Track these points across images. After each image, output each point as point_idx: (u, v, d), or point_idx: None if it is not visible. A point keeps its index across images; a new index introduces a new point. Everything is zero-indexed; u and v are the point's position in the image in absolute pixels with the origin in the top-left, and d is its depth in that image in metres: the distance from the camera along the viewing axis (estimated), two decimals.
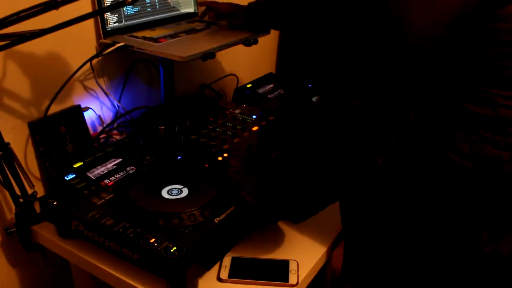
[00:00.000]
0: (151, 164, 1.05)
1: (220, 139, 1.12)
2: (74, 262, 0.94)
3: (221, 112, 1.23)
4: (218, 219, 0.88)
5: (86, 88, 1.16)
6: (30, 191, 0.99)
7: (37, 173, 1.09)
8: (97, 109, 1.20)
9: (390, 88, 0.64)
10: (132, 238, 0.83)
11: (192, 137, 1.12)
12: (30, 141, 1.06)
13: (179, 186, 0.95)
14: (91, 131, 1.16)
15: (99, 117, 1.20)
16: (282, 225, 0.99)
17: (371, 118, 0.66)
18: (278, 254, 0.92)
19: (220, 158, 1.04)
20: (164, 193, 0.94)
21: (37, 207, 0.99)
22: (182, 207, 0.87)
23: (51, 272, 1.14)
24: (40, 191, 1.09)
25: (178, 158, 1.06)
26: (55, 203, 0.93)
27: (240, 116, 1.23)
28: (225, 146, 1.10)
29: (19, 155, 1.02)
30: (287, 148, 0.83)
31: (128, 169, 1.03)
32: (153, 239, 0.83)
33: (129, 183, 0.95)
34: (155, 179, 0.97)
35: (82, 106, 1.14)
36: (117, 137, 1.17)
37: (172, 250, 0.80)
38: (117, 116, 1.22)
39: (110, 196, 0.94)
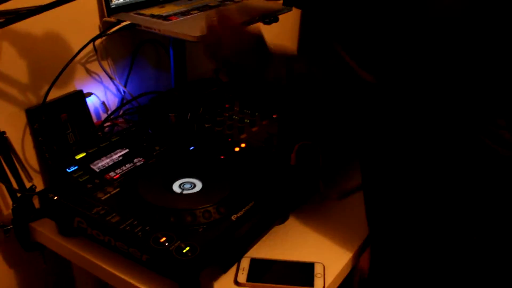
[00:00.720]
0: (160, 155, 1.04)
1: (237, 127, 1.11)
2: (76, 262, 0.94)
3: (237, 98, 1.22)
4: (235, 216, 0.86)
5: (88, 72, 1.16)
6: (28, 185, 0.98)
7: (35, 165, 1.08)
8: (101, 94, 1.19)
9: None
10: (140, 237, 0.82)
11: (206, 125, 1.11)
12: (28, 130, 1.05)
13: (192, 180, 0.95)
14: (94, 119, 1.16)
15: (103, 103, 1.19)
16: (306, 224, 0.99)
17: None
18: (302, 256, 0.90)
19: (237, 149, 1.04)
20: (176, 187, 0.93)
21: (36, 202, 0.98)
22: (196, 203, 0.87)
23: (51, 273, 1.14)
24: (39, 185, 1.08)
25: (191, 148, 1.06)
26: (55, 198, 0.92)
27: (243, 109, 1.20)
28: (243, 136, 1.09)
29: (16, 145, 1.02)
30: (314, 138, 0.83)
31: (135, 160, 1.02)
32: (164, 238, 0.82)
33: (136, 176, 0.94)
34: (166, 172, 0.96)
35: (85, 91, 1.13)
36: (123, 126, 1.17)
37: (184, 251, 0.79)
38: (123, 102, 1.21)
39: (116, 190, 0.93)
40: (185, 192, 0.92)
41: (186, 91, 1.21)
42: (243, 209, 0.88)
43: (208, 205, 0.86)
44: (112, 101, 1.23)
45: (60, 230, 0.96)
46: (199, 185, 0.94)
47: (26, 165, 1.03)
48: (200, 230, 0.84)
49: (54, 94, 1.07)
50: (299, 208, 0.99)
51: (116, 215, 0.87)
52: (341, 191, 1.03)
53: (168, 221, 0.84)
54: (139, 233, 0.83)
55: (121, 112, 1.18)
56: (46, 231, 0.97)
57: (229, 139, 1.07)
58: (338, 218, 0.93)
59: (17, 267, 1.09)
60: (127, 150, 1.04)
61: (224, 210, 0.87)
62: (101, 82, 1.19)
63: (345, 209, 1.01)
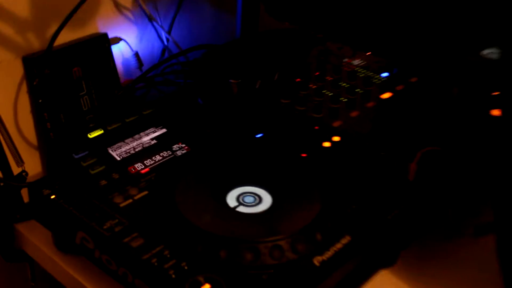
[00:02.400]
0: (212, 144, 0.98)
1: (328, 109, 1.03)
2: None
3: (330, 63, 1.17)
4: (320, 258, 0.77)
5: (118, 7, 1.11)
6: (17, 170, 0.93)
7: (32, 139, 1.04)
8: (133, 42, 1.15)
9: None
10: (172, 278, 0.74)
11: (283, 101, 1.06)
12: (23, 88, 1.00)
13: (257, 190, 0.88)
14: (121, 78, 1.12)
15: (136, 55, 1.14)
16: (423, 269, 0.91)
17: None
18: None
19: (326, 144, 0.96)
20: (232, 199, 0.86)
21: (26, 195, 0.94)
22: (260, 231, 0.80)
23: None
24: (35, 170, 1.05)
25: (258, 136, 0.99)
26: (52, 196, 0.86)
27: (362, 72, 1.15)
28: (336, 123, 1.01)
29: (4, 109, 0.97)
30: (447, 141, 0.85)
31: (175, 148, 0.96)
32: (208, 287, 0.73)
33: (174, 175, 0.89)
34: (219, 172, 0.90)
35: (110, 35, 1.08)
36: (163, 90, 1.16)
37: None
38: (163, 56, 1.20)
39: (143, 194, 0.87)
40: (244, 209, 0.85)
41: (256, 47, 1.21)
42: (333, 248, 0.79)
43: (279, 238, 0.78)
44: (149, 53, 1.20)
45: (56, 242, 0.90)
46: (266, 200, 0.86)
47: (17, 140, 0.99)
48: (265, 277, 0.75)
49: (66, 37, 1.03)
50: (414, 246, 0.91)
51: (139, 237, 0.79)
52: (478, 225, 0.96)
53: (217, 257, 0.77)
54: (171, 271, 0.75)
55: (160, 70, 1.16)
56: (35, 239, 0.94)
57: (316, 127, 1.00)
58: (472, 264, 0.89)
59: None
60: (164, 131, 1.00)
61: (303, 248, 0.78)
62: (136, 24, 1.15)
63: (483, 252, 0.93)
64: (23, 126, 1.03)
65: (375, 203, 0.87)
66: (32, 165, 1.03)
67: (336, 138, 0.98)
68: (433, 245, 0.95)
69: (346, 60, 1.19)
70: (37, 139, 1.05)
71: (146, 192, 0.88)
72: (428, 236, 0.95)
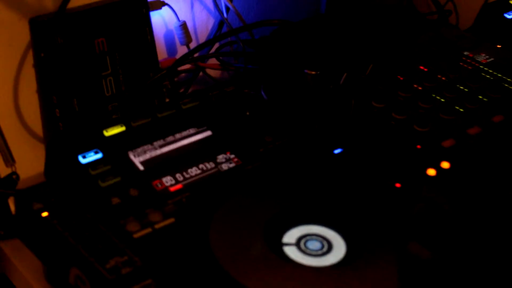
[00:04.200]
0: (272, 158, 0.96)
1: (438, 121, 1.01)
2: None
3: (445, 56, 1.15)
4: None
5: None
6: (4, 172, 0.93)
7: (36, 128, 1.03)
8: (181, 9, 1.17)
9: None
10: None
11: (376, 105, 1.04)
12: (27, 59, 1.00)
13: (326, 232, 0.84)
14: (160, 55, 1.12)
15: (183, 26, 1.14)
16: None
17: None
18: None
19: (432, 172, 0.93)
20: (289, 243, 0.83)
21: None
22: None
23: None
24: (37, 170, 1.02)
25: (336, 152, 0.97)
26: (44, 214, 0.84)
27: (488, 72, 1.14)
28: (447, 143, 0.97)
29: (1, 85, 0.97)
30: None
31: (220, 159, 0.94)
32: None
33: (214, 200, 0.87)
34: (275, 200, 0.89)
35: None
36: (215, 76, 1.19)
37: None
38: (220, 30, 1.21)
39: (167, 222, 0.83)
40: (306, 260, 0.80)
41: (346, 27, 1.21)
42: None
43: None
44: (201, 25, 1.22)
45: (47, 275, 0.88)
46: (339, 247, 0.82)
47: (12, 130, 0.98)
48: None
49: None
50: None
51: (153, 286, 0.75)
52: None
53: None
54: None
55: (214, 48, 1.18)
56: (21, 264, 0.93)
57: (418, 146, 0.97)
58: None
59: None
60: (208, 133, 0.97)
61: None
62: None
63: None
64: (25, 112, 1.03)
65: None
66: (33, 165, 1.02)
67: (445, 165, 0.94)
68: None
69: (467, 53, 1.16)
70: (42, 130, 1.06)
71: (172, 220, 0.84)
72: None
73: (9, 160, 0.92)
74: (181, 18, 1.14)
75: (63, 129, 1.01)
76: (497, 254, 0.85)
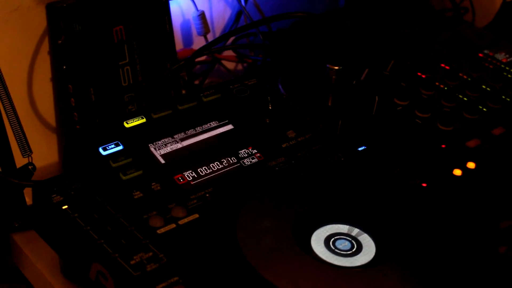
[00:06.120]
0: (295, 154, 0.95)
1: (462, 120, 1.02)
2: None
3: (465, 54, 1.16)
4: None
5: None
6: (21, 162, 0.93)
7: (50, 118, 1.03)
8: None
9: None
10: None
11: (398, 102, 1.04)
12: (44, 46, 1.00)
13: (355, 232, 0.85)
14: (178, 46, 1.12)
15: (202, 16, 1.15)
16: None
17: None
18: None
19: (458, 172, 0.93)
20: (318, 242, 0.83)
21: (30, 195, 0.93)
22: None
23: None
24: (51, 159, 1.04)
25: (360, 149, 0.98)
26: (64, 207, 0.83)
27: (510, 71, 1.14)
28: (472, 142, 0.98)
29: (15, 72, 0.96)
30: None
31: (242, 154, 0.94)
32: None
33: (239, 196, 0.87)
34: (302, 199, 0.89)
35: None
36: (232, 69, 1.20)
37: None
38: (237, 22, 1.21)
39: (192, 217, 0.84)
40: (336, 260, 0.81)
41: (368, 21, 1.22)
42: None
43: None
44: (219, 16, 1.23)
45: (64, 268, 0.89)
46: (368, 248, 0.83)
47: (28, 120, 0.98)
48: None
49: None
50: None
51: (180, 283, 0.75)
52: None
53: None
54: None
55: (231, 40, 1.18)
56: (36, 257, 0.93)
57: (443, 145, 0.97)
58: None
59: None
60: (230, 127, 0.98)
61: None
62: None
63: None
64: (38, 100, 1.02)
65: None
66: (47, 155, 1.03)
67: (471, 165, 0.95)
68: None
69: (486, 51, 1.17)
70: (56, 120, 1.06)
71: (196, 216, 0.84)
72: None
73: (26, 150, 0.91)
74: (200, 7, 1.15)
75: (78, 119, 1.00)
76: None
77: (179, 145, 0.92)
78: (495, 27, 1.33)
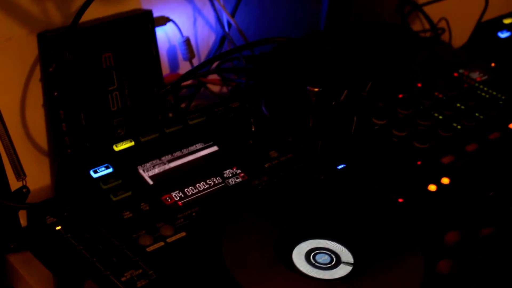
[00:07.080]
0: (277, 173, 0.97)
1: (437, 138, 1.03)
2: None
3: (441, 74, 1.17)
4: None
5: None
6: (15, 185, 0.92)
7: (42, 142, 1.04)
8: (185, 25, 1.18)
9: None
10: None
11: (376, 121, 1.06)
12: (35, 74, 1.00)
13: (334, 246, 0.86)
14: (164, 71, 1.13)
15: (187, 41, 1.16)
16: None
17: None
18: None
19: (432, 188, 0.94)
20: (299, 256, 0.84)
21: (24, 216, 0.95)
22: None
23: None
24: (43, 183, 1.05)
25: (340, 167, 0.99)
26: (57, 228, 0.85)
27: (484, 90, 1.15)
28: (447, 159, 0.99)
29: (8, 99, 0.98)
30: None
31: (227, 174, 0.96)
32: None
33: (223, 214, 0.89)
34: (284, 215, 0.89)
35: (155, 14, 1.10)
36: (216, 92, 1.20)
37: None
38: (221, 47, 1.21)
39: (179, 235, 0.85)
40: (316, 273, 0.82)
41: (346, 44, 1.22)
42: None
43: None
44: (204, 41, 1.24)
45: (59, 287, 0.88)
46: (346, 261, 0.84)
47: (21, 144, 0.99)
48: None
49: (97, 11, 1.04)
50: None
51: None
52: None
53: None
54: None
55: (215, 64, 1.19)
56: (31, 278, 0.91)
57: (418, 162, 0.98)
58: None
59: None
60: (214, 149, 0.99)
61: None
62: (190, 1, 1.18)
63: None
64: (31, 125, 1.03)
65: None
66: (39, 178, 1.03)
67: (445, 180, 0.95)
68: None
69: (461, 71, 1.18)
70: (48, 144, 1.06)
71: (183, 234, 0.85)
72: None
73: (21, 174, 0.90)
74: (185, 34, 1.16)
75: (70, 144, 1.01)
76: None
77: (167, 167, 0.93)
78: (470, 47, 1.34)
